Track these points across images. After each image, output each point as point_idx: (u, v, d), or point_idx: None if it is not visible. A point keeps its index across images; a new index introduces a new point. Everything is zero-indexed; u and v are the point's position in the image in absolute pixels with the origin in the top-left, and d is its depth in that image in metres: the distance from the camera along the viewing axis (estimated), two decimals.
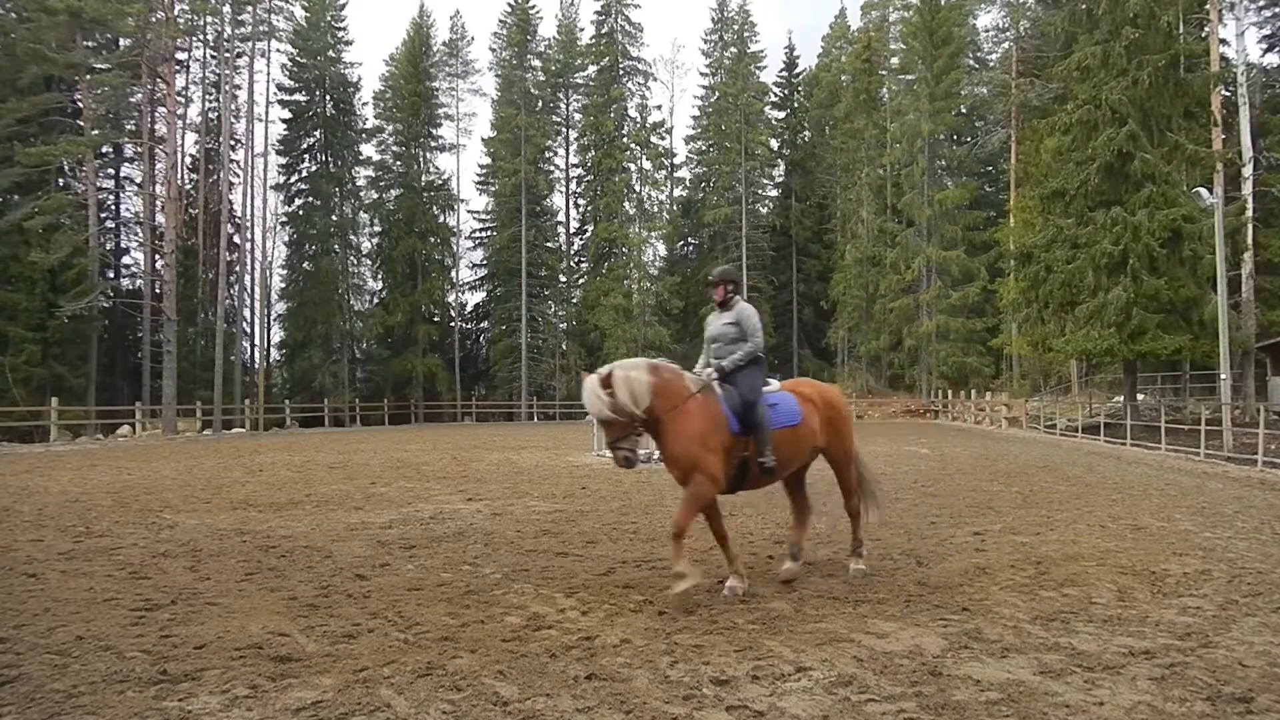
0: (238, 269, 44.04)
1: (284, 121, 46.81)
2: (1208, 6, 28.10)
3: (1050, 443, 22.91)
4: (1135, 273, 22.97)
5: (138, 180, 40.35)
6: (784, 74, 58.45)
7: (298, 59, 46.64)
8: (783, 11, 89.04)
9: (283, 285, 48.07)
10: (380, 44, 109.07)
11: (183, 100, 41.09)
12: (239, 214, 44.96)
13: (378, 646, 4.52)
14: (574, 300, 51.83)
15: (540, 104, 51.56)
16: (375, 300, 48.87)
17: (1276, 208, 29.11)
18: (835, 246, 49.97)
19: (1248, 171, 27.43)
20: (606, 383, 5.30)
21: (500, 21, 51.74)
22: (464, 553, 7.29)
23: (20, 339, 31.29)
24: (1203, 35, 28.60)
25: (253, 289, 46.63)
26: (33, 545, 7.59)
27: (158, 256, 33.58)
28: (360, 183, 49.19)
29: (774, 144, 56.77)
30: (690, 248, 56.10)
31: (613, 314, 46.64)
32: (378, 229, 49.18)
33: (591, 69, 52.64)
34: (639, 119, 51.42)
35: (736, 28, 54.20)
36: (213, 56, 43.23)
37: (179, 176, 36.46)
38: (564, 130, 53.77)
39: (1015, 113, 39.67)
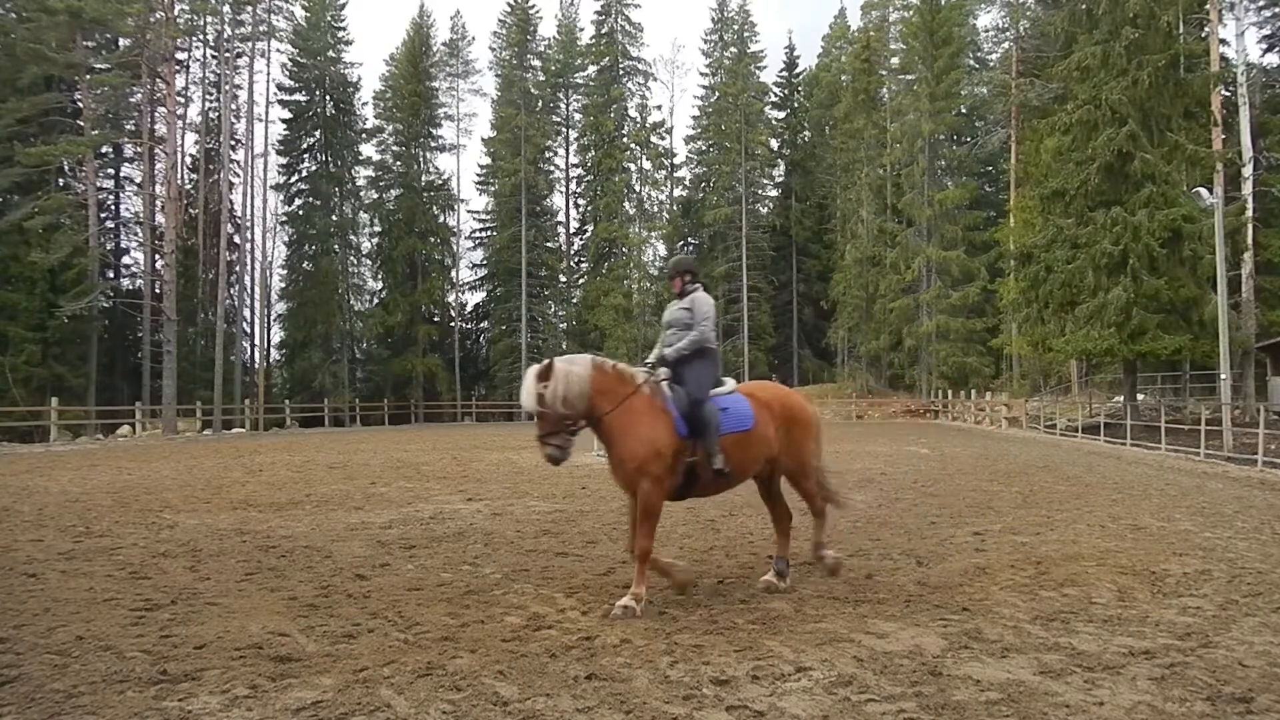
0: (238, 269, 44.06)
1: (284, 121, 46.86)
2: (1208, 6, 28.10)
3: (1050, 443, 22.90)
4: (1135, 273, 22.97)
5: (138, 180, 40.39)
6: (784, 74, 58.50)
7: (298, 59, 46.67)
8: (783, 11, 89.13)
9: (283, 285, 48.11)
10: (380, 44, 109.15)
11: (183, 100, 41.14)
12: (239, 214, 45.02)
13: (378, 646, 4.52)
14: (574, 300, 51.85)
15: (540, 104, 51.58)
16: (375, 300, 48.89)
17: (1276, 208, 29.12)
18: (835, 246, 49.98)
19: (1248, 171, 27.44)
20: (545, 374, 5.16)
21: (500, 21, 51.80)
22: (464, 553, 7.29)
23: (20, 339, 31.30)
24: (1203, 35, 28.60)
25: (253, 289, 46.71)
26: (33, 545, 7.59)
27: (158, 256, 33.58)
28: (360, 183, 49.23)
29: (774, 144, 56.83)
30: (690, 248, 56.12)
31: (613, 314, 46.66)
32: (378, 229, 49.21)
33: (591, 69, 52.67)
34: (639, 119, 51.47)
35: (736, 28, 54.23)
36: (213, 56, 43.25)
37: (179, 176, 36.48)
38: (564, 130, 53.80)
39: (1015, 113, 39.68)
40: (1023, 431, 27.93)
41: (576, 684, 3.93)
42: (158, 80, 34.23)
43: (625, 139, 50.26)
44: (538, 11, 52.43)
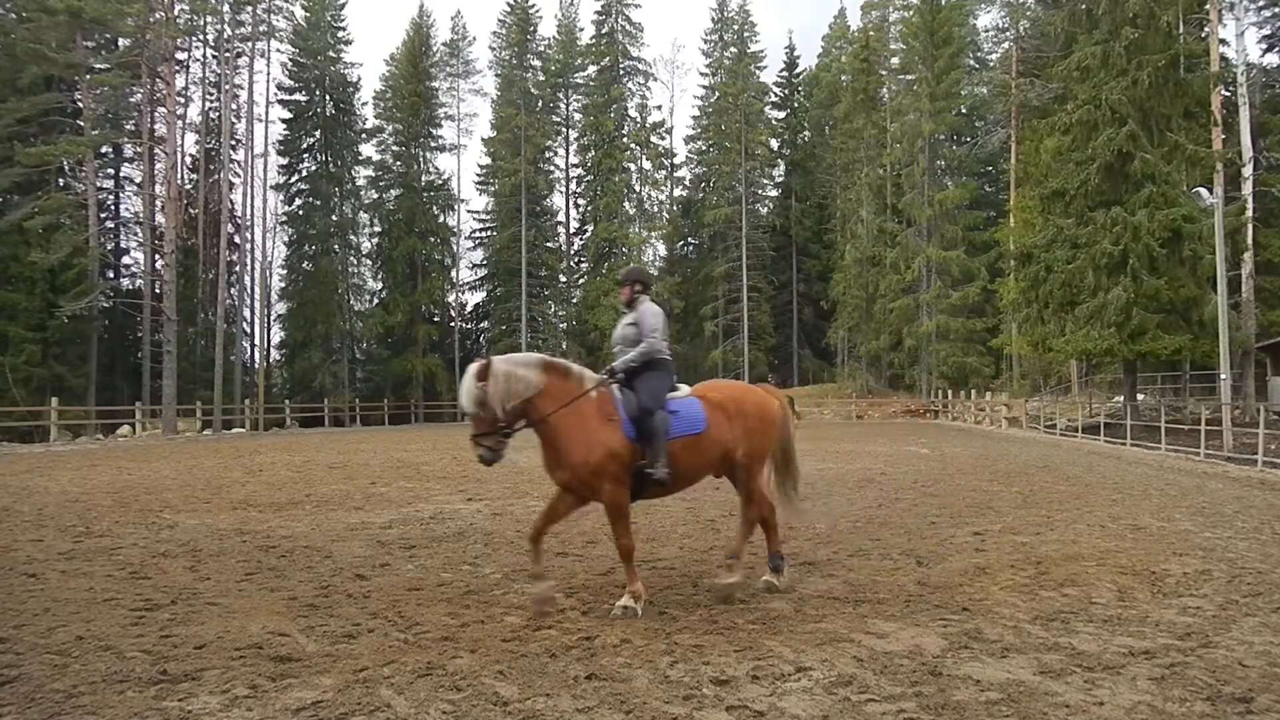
0: (238, 269, 44.06)
1: (284, 121, 46.86)
2: (1208, 6, 28.10)
3: (1050, 443, 22.90)
4: (1135, 273, 22.96)
5: (138, 180, 40.37)
6: (784, 74, 58.51)
7: (298, 59, 46.68)
8: (783, 11, 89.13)
9: (283, 285, 48.12)
10: (380, 44, 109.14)
11: (183, 100, 41.14)
12: (239, 214, 45.04)
13: (378, 646, 4.52)
14: (574, 300, 51.85)
15: (540, 104, 51.59)
16: (375, 300, 48.90)
17: (1276, 208, 29.11)
18: (835, 246, 49.99)
19: (1248, 171, 27.43)
20: (484, 374, 5.05)
21: (500, 21, 51.81)
22: (464, 553, 7.29)
23: (20, 339, 31.30)
24: (1203, 35, 28.60)
25: (253, 289, 46.73)
26: (33, 545, 7.59)
27: (158, 256, 33.59)
28: (360, 183, 49.24)
29: (774, 144, 56.84)
30: (690, 248, 56.15)
31: (613, 314, 46.59)
32: (378, 229, 49.22)
33: (591, 69, 52.68)
34: (639, 119, 51.48)
35: (736, 28, 54.24)
36: (213, 56, 43.25)
37: (179, 176, 36.49)
38: (564, 130, 53.81)
39: (1015, 113, 39.69)
40: (1023, 431, 27.93)
41: (576, 684, 3.93)
42: (158, 80, 34.24)
43: (625, 139, 50.26)
44: (538, 11, 52.47)
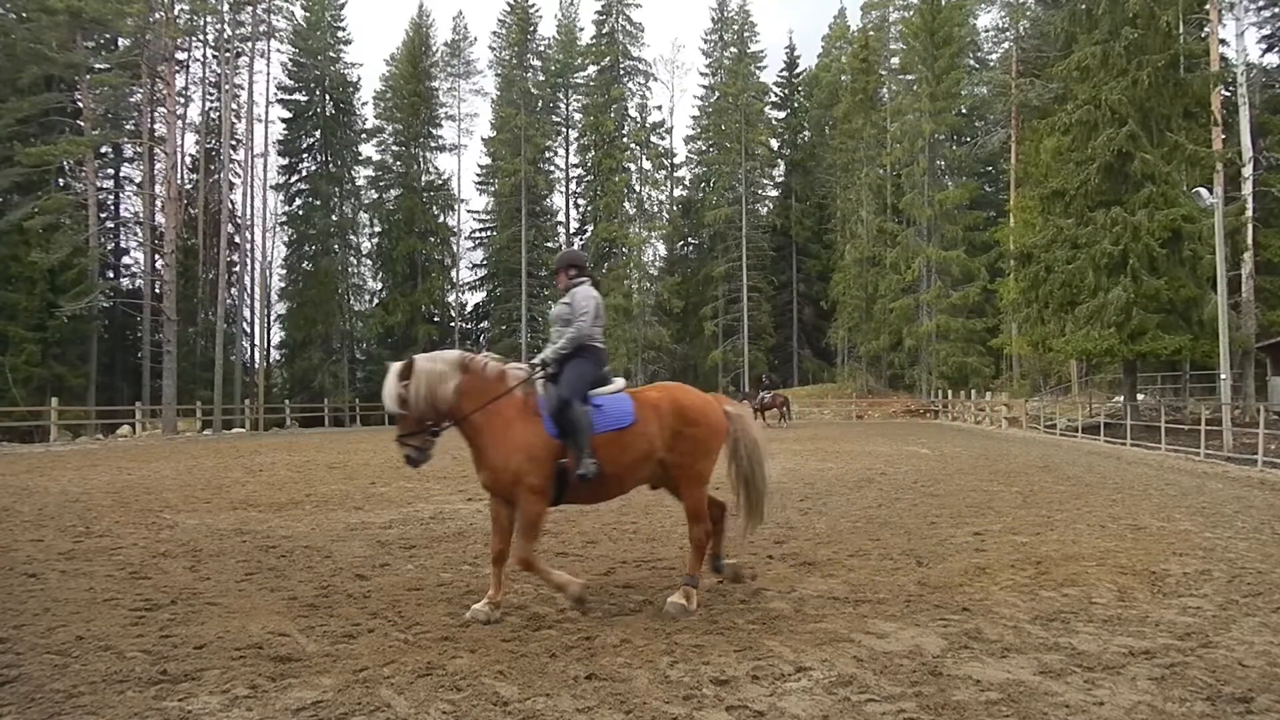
0: (238, 269, 44.07)
1: (284, 121, 46.91)
2: (1208, 6, 28.11)
3: (1050, 443, 22.90)
4: (1135, 273, 22.97)
5: (138, 180, 40.41)
6: (784, 74, 58.51)
7: (298, 59, 46.72)
8: (783, 11, 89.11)
9: (283, 285, 48.15)
10: (380, 44, 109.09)
11: (183, 100, 41.17)
12: (239, 214, 45.06)
13: (378, 646, 4.52)
14: None
15: (540, 104, 51.62)
16: (375, 300, 48.92)
17: (1276, 208, 29.12)
18: (835, 246, 49.99)
19: (1248, 171, 27.44)
20: (406, 373, 4.94)
21: (500, 21, 51.87)
22: (464, 553, 7.30)
23: (20, 339, 31.31)
24: (1202, 35, 28.61)
25: (253, 289, 46.75)
26: (33, 545, 7.59)
27: (158, 256, 33.59)
28: (360, 183, 49.26)
29: (774, 144, 56.84)
30: (690, 248, 56.13)
31: (613, 314, 46.62)
32: (378, 229, 49.26)
33: (591, 69, 52.69)
34: (639, 119, 51.49)
35: (736, 28, 54.25)
36: (213, 56, 43.28)
37: (179, 176, 36.48)
38: (564, 130, 53.83)
39: (1015, 113, 39.70)
40: (1023, 431, 27.93)
41: (576, 684, 3.93)
42: (158, 80, 34.26)
43: (625, 139, 50.27)
44: (537, 11, 52.53)
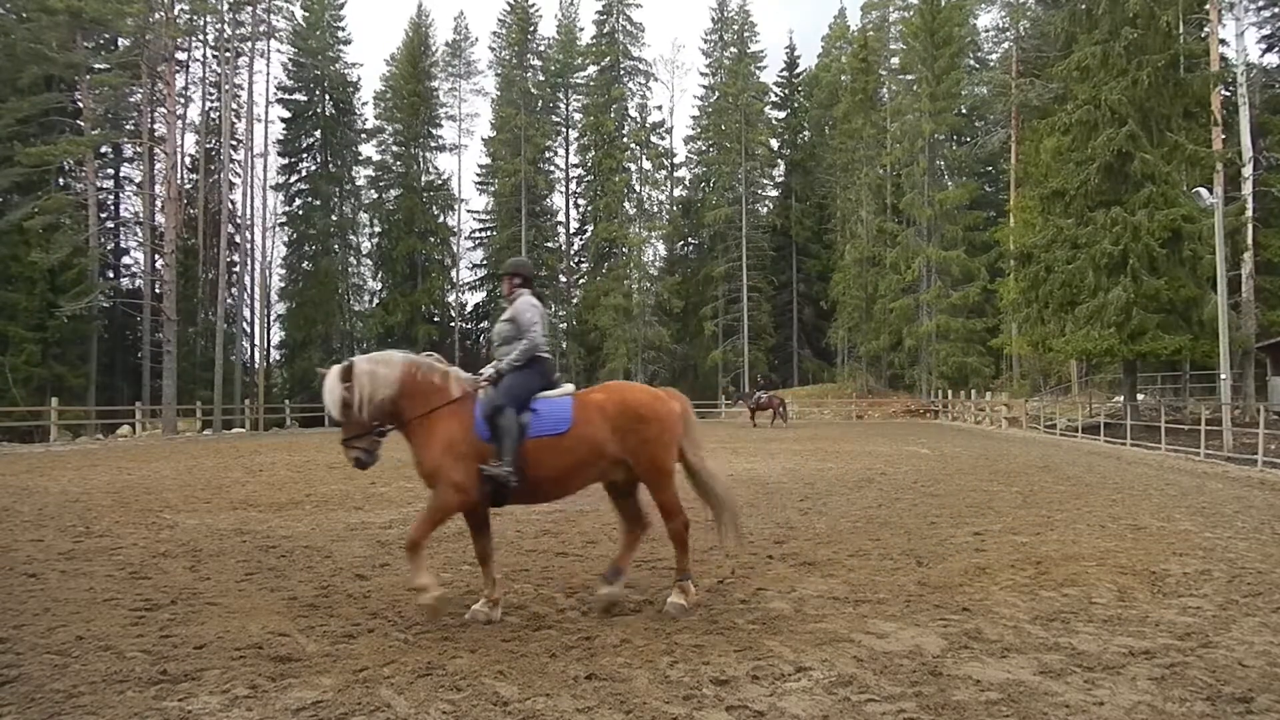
0: (238, 269, 44.08)
1: (284, 121, 46.92)
2: (1207, 6, 28.10)
3: (1050, 443, 22.89)
4: (1135, 273, 22.96)
5: (138, 180, 40.42)
6: (784, 74, 58.51)
7: (298, 59, 46.74)
8: (783, 11, 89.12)
9: (283, 285, 48.15)
10: (380, 44, 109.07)
11: (183, 100, 41.17)
12: (239, 214, 45.05)
13: (378, 646, 4.52)
14: (574, 300, 51.87)
15: (540, 104, 51.63)
16: (375, 300, 48.92)
17: (1276, 208, 29.11)
18: (835, 246, 49.98)
19: (1248, 171, 27.43)
20: (347, 375, 4.88)
21: (500, 21, 51.88)
22: (464, 553, 7.28)
23: (20, 339, 31.32)
24: (1202, 35, 28.60)
25: (253, 289, 46.76)
26: (33, 545, 7.59)
27: (158, 256, 33.60)
28: (360, 183, 49.27)
29: (774, 144, 56.84)
30: (690, 248, 56.13)
31: (613, 314, 46.66)
32: (378, 229, 49.29)
33: (592, 69, 52.70)
34: (639, 119, 51.49)
35: (736, 28, 54.24)
36: (213, 56, 43.28)
37: (179, 176, 36.49)
38: (564, 130, 53.83)
39: (1015, 113, 39.69)
40: (1023, 431, 27.92)
41: (576, 684, 3.93)
42: (158, 80, 34.26)
43: (625, 139, 50.27)
44: (537, 11, 52.54)
